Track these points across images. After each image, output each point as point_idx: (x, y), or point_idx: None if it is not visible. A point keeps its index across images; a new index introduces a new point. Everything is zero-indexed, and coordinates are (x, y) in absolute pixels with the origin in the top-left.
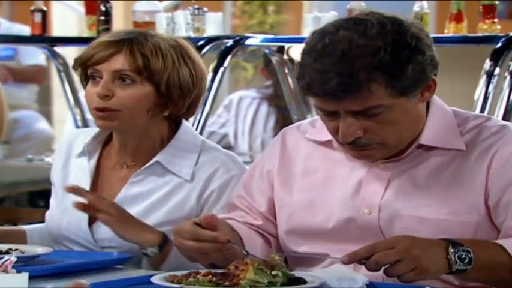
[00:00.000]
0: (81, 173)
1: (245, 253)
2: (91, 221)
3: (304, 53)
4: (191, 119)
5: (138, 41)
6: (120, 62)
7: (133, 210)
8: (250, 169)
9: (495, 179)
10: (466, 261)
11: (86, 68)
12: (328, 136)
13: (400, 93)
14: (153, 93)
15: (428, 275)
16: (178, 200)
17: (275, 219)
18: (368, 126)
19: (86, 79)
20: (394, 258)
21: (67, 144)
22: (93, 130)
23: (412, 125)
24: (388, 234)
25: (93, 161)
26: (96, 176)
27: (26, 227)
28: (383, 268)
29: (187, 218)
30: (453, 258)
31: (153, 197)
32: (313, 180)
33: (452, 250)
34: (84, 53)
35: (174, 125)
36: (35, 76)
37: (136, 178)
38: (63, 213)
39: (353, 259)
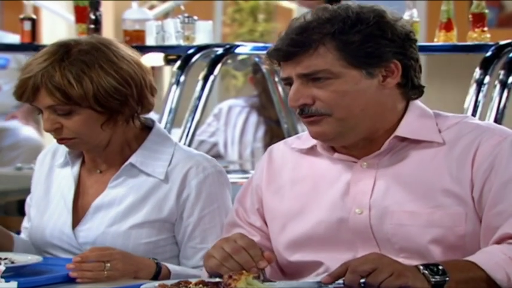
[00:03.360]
0: (64, 181)
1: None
2: (74, 225)
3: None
4: (181, 129)
5: (49, 75)
6: (46, 99)
7: (113, 213)
8: (245, 186)
9: (478, 172)
10: (440, 273)
11: None
12: (312, 141)
13: (351, 63)
14: (93, 113)
15: (408, 279)
16: (157, 201)
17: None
18: (318, 95)
19: None
20: (370, 266)
21: (50, 155)
22: None
23: (372, 110)
24: (379, 233)
25: (76, 167)
26: (79, 183)
27: (13, 234)
28: (362, 281)
29: (167, 219)
30: (426, 271)
31: (131, 198)
32: (302, 189)
33: (421, 266)
34: None
35: (144, 126)
36: None
37: (114, 182)
38: (47, 220)
39: (332, 279)
